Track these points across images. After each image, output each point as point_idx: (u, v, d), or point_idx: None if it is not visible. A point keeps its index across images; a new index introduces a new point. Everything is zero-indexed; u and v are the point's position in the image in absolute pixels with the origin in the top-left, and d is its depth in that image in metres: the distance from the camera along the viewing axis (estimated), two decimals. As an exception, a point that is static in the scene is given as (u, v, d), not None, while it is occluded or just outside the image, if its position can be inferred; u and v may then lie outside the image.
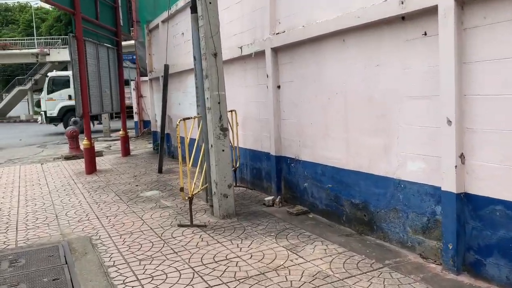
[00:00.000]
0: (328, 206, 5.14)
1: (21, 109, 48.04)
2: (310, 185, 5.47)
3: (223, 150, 5.45)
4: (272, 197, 6.04)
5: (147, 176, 8.81)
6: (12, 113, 47.98)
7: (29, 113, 46.20)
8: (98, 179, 8.64)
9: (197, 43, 5.53)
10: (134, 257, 4.30)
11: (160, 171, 9.07)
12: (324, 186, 5.18)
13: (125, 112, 12.28)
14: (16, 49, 43.89)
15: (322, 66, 5.03)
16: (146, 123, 18.24)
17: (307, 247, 4.30)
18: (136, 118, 18.24)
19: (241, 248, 4.37)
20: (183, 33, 9.59)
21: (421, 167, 3.79)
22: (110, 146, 15.72)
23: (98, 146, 14.20)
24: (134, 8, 15.01)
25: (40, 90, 50.19)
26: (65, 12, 49.19)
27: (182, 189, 5.35)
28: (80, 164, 10.83)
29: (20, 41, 45.56)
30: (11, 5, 66.29)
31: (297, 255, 4.12)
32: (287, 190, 5.99)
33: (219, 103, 5.38)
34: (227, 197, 5.46)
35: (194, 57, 5.68)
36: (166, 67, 8.66)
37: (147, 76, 18.34)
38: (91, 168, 9.36)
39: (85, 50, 9.34)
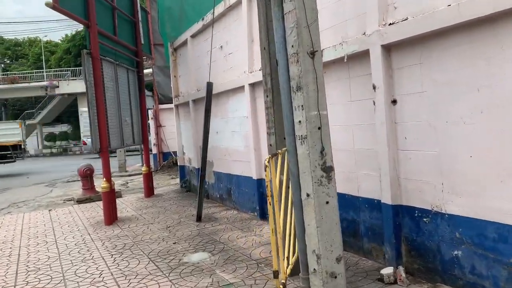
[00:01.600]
0: (511, 291, 3.12)
1: (30, 144, 46.65)
2: (467, 254, 3.46)
3: (327, 202, 3.47)
4: (391, 268, 4.02)
5: (183, 226, 6.84)
6: (21, 148, 46.68)
7: (38, 148, 44.77)
8: (121, 233, 6.68)
9: (281, 39, 3.64)
10: None
11: (199, 218, 7.10)
12: (503, 258, 3.18)
13: (148, 145, 10.42)
14: (25, 82, 42.87)
15: (499, 64, 3.11)
16: (166, 156, 16.41)
17: None
18: (154, 150, 16.39)
19: None
20: (221, 47, 7.80)
21: None
22: (127, 183, 13.82)
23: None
24: (151, 29, 13.37)
25: (49, 124, 49.24)
26: (74, 44, 48.54)
27: (276, 275, 3.35)
28: (96, 209, 8.90)
29: (29, 75, 44.58)
30: (21, 40, 66.29)
31: None
32: (414, 257, 3.97)
33: (319, 128, 3.44)
34: (335, 277, 3.46)
35: (277, 61, 3.77)
36: (209, 86, 6.79)
37: (165, 104, 16.65)
38: (111, 218, 7.41)
39: (102, 70, 7.57)
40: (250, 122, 6.78)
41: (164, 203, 9.08)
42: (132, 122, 9.36)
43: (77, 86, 41.86)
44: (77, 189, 13.40)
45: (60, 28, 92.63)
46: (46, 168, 23.18)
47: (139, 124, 9.81)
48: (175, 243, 5.89)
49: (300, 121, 3.48)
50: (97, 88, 7.34)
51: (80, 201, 9.92)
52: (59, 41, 57.17)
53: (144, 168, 9.95)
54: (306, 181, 3.50)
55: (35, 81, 42.92)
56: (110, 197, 7.48)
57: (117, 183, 13.70)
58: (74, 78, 43.21)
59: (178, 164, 10.66)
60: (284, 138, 4.13)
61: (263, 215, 6.72)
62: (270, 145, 4.37)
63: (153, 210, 8.37)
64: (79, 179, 15.45)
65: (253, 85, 6.70)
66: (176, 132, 10.68)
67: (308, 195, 3.50)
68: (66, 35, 53.61)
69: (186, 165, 10.39)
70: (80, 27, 48.26)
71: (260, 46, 4.42)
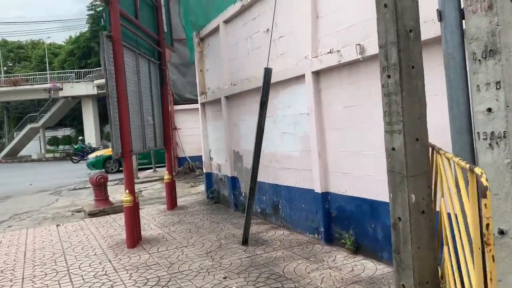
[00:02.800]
0: None
1: (32, 148, 45.39)
2: None
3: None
4: None
5: (228, 252, 5.44)
6: (23, 152, 45.32)
7: (41, 152, 43.45)
8: (151, 261, 5.29)
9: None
10: None
11: (245, 241, 5.70)
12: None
13: (171, 148, 9.04)
14: (28, 84, 41.60)
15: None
16: (181, 161, 15.05)
17: None
18: (168, 154, 15.01)
19: None
20: (267, 30, 6.43)
21: None
22: (141, 192, 12.43)
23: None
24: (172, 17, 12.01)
25: (52, 128, 47.83)
26: (78, 46, 47.31)
27: None
28: (113, 225, 7.53)
29: (32, 77, 43.30)
30: (24, 42, 65.15)
31: None
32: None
33: (523, 121, 2.08)
34: None
35: (440, 14, 2.40)
36: (268, 73, 5.37)
37: (181, 104, 15.31)
38: (135, 239, 6.03)
39: (123, 58, 6.21)
40: (312, 120, 5.39)
41: (193, 218, 7.69)
42: (154, 122, 8.00)
43: (81, 88, 40.61)
44: (85, 198, 12.05)
45: (64, 29, 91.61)
46: (49, 174, 21.83)
47: (161, 125, 8.45)
48: (225, 278, 4.50)
49: (490, 109, 2.10)
50: (119, 78, 5.98)
51: (92, 214, 8.55)
52: (63, 43, 56.06)
53: (166, 176, 8.56)
54: (500, 208, 2.12)
55: (38, 83, 41.62)
56: (133, 212, 6.10)
57: (131, 191, 12.35)
58: (79, 80, 41.94)
59: (204, 171, 9.26)
60: (417, 139, 2.79)
61: (330, 239, 5.33)
62: (393, 149, 2.99)
63: (182, 227, 6.98)
64: (88, 187, 14.21)
65: (317, 74, 5.33)
66: (202, 135, 9.29)
67: (503, 232, 2.12)
68: (70, 37, 52.51)
69: (214, 172, 9.00)
70: (84, 28, 47.08)
71: (376, 4, 3.05)
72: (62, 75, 43.61)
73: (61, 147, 46.92)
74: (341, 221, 5.16)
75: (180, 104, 15.01)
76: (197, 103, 9.52)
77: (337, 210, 5.22)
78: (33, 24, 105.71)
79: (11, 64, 59.54)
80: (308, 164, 5.63)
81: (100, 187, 8.69)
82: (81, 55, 46.38)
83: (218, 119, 8.47)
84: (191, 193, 11.06)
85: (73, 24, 71.25)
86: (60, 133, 50.12)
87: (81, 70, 43.24)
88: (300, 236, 5.88)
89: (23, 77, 43.32)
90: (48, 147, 45.60)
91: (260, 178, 6.91)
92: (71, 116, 47.02)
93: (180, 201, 9.49)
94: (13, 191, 15.11)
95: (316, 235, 5.61)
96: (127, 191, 5.98)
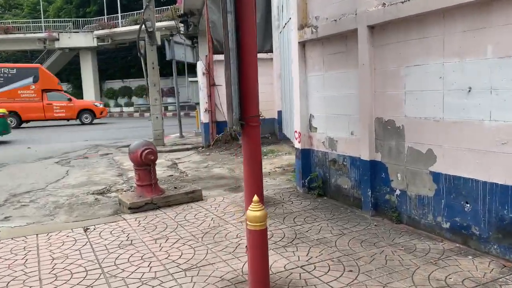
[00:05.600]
0: None
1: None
2: None
3: None
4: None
5: None
6: (16, 107, 41.72)
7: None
8: None
9: None
10: None
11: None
12: None
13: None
14: (21, 33, 37.45)
15: None
16: (220, 126, 11.95)
17: None
18: (204, 117, 11.89)
19: None
20: None
21: None
22: (177, 166, 9.41)
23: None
24: None
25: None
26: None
27: None
28: (180, 234, 4.45)
29: (25, 25, 38.99)
30: (15, -12, 59.83)
31: None
32: None
33: None
34: None
35: None
36: None
37: (221, 53, 12.05)
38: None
39: None
40: None
41: (310, 226, 4.65)
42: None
43: (80, 39, 36.66)
44: (104, 172, 9.03)
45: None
46: (48, 135, 18.62)
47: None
48: None
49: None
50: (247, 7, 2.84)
51: (135, 208, 5.50)
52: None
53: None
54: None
55: (32, 32, 37.50)
56: (264, 244, 3.05)
57: (162, 164, 9.33)
58: (77, 30, 37.91)
59: (300, 147, 6.16)
60: None
61: None
62: None
63: (314, 252, 3.95)
64: (104, 154, 11.10)
65: None
66: (298, 92, 6.12)
67: None
68: (66, -18, 47.64)
69: (320, 150, 5.91)
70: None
71: None
72: (58, 24, 39.44)
73: (56, 103, 43.21)
74: None
75: (220, 53, 11.72)
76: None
77: None
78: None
79: (0, 11, 54.64)
80: None
81: (147, 166, 5.61)
82: (79, 2, 41.97)
83: (339, 66, 5.32)
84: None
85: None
86: (56, 88, 46.28)
87: (79, 19, 39.08)
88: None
89: (14, 25, 39.01)
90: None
91: (457, 169, 3.88)
92: (68, 70, 43.13)
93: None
94: (6, 156, 11.98)
95: None
96: (255, 198, 2.90)
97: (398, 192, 4.60)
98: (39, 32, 37.23)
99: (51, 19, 40.72)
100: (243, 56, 3.04)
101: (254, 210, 2.88)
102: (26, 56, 46.04)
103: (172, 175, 8.26)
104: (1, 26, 38.20)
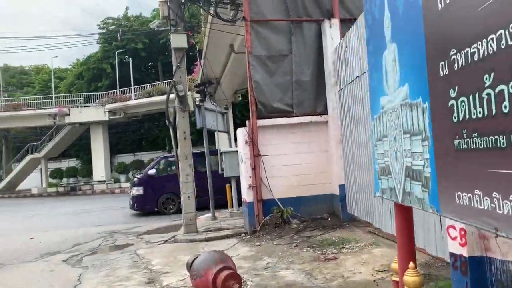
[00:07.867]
0: None
1: (33, 181, 39.97)
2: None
3: None
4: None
5: None
6: (22, 185, 39.76)
7: (42, 186, 37.95)
8: None
9: None
10: None
11: None
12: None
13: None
14: (31, 109, 36.46)
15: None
16: (267, 206, 9.68)
17: None
18: (248, 195, 9.63)
19: None
20: None
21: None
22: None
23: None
24: None
25: (55, 159, 42.00)
26: (87, 67, 42.10)
27: None
28: None
29: (35, 101, 38.07)
30: (27, 68, 60.62)
31: None
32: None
33: None
34: None
35: None
36: None
37: (268, 118, 10.10)
38: None
39: None
40: None
41: None
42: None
43: (91, 113, 35.51)
44: (127, 276, 6.59)
45: (70, 43, 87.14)
46: (55, 217, 16.33)
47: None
48: None
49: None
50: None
51: None
52: (69, 67, 51.50)
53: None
54: None
55: (42, 108, 36.51)
56: None
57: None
58: (88, 104, 36.97)
59: (467, 253, 3.82)
60: None
61: None
62: None
63: None
64: (121, 245, 8.49)
65: None
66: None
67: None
68: (78, 60, 47.91)
69: (505, 259, 3.60)
70: (95, 48, 41.97)
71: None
72: (69, 99, 38.62)
73: (64, 180, 41.35)
74: None
75: (265, 118, 9.79)
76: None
77: None
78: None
79: (11, 91, 54.56)
80: None
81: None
82: (90, 77, 41.62)
83: None
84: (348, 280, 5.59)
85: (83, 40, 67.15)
86: (64, 164, 44.68)
87: (91, 93, 38.30)
88: None
89: (25, 102, 38.18)
90: (50, 179, 40.04)
91: None
92: (77, 145, 41.76)
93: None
94: (5, 250, 9.64)
95: None
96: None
97: None
98: (49, 108, 36.27)
99: (61, 95, 40.06)
100: None
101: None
102: (35, 133, 44.96)
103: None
104: (12, 104, 37.41)
